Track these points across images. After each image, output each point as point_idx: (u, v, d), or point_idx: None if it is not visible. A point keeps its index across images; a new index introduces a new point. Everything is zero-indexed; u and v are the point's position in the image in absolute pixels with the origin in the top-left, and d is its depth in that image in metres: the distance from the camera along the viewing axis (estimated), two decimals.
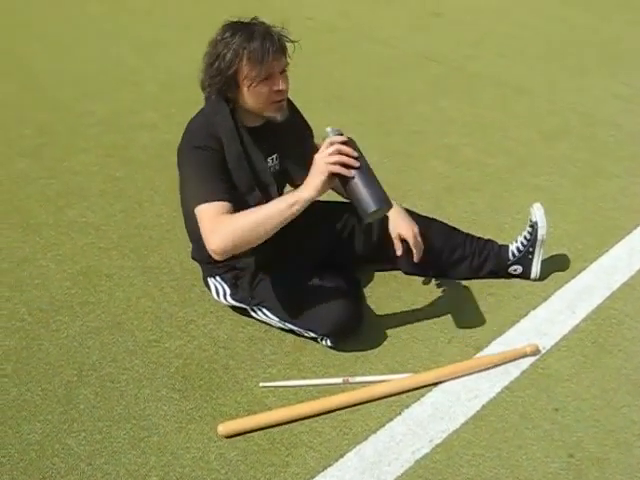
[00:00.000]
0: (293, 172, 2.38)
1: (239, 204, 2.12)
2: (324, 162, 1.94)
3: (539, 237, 2.55)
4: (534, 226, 2.56)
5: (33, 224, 2.95)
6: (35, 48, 4.95)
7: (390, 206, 2.01)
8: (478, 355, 2.32)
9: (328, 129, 2.03)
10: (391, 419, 2.07)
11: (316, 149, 2.10)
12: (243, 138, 2.22)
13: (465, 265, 2.61)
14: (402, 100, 4.31)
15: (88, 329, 2.39)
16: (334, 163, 1.92)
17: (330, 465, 1.94)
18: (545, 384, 2.21)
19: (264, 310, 2.35)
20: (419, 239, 2.38)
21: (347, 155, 1.94)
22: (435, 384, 2.19)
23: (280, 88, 2.16)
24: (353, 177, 1.95)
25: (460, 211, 3.11)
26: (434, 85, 4.53)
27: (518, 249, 2.59)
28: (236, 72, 2.11)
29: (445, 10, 6.05)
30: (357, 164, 1.95)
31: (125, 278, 2.64)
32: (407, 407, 2.11)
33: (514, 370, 2.26)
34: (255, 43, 2.08)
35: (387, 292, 2.60)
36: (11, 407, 2.09)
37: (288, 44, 2.17)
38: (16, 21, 5.45)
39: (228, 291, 2.39)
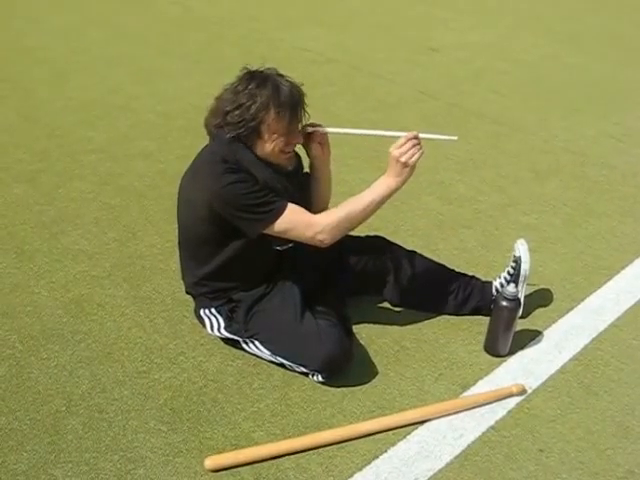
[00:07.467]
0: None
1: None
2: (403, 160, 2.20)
3: (522, 272, 2.57)
4: (517, 261, 2.59)
5: (27, 250, 2.96)
6: (34, 74, 4.99)
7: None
8: (465, 394, 2.34)
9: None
10: (377, 456, 2.08)
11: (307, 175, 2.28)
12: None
13: (450, 299, 2.64)
14: None
15: (78, 358, 2.40)
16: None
17: None
18: (531, 424, 2.23)
19: (256, 343, 2.36)
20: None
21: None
22: (421, 422, 2.20)
23: (299, 142, 2.27)
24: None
25: (451, 247, 3.14)
26: (428, 120, 4.58)
27: (501, 285, 2.62)
28: (260, 123, 2.15)
29: (441, 46, 6.12)
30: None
31: (117, 308, 2.65)
32: (393, 445, 2.12)
33: (500, 410, 2.27)
34: (284, 97, 2.15)
35: (376, 329, 2.61)
36: None
37: None
38: (15, 46, 5.49)
39: (222, 324, 2.40)
